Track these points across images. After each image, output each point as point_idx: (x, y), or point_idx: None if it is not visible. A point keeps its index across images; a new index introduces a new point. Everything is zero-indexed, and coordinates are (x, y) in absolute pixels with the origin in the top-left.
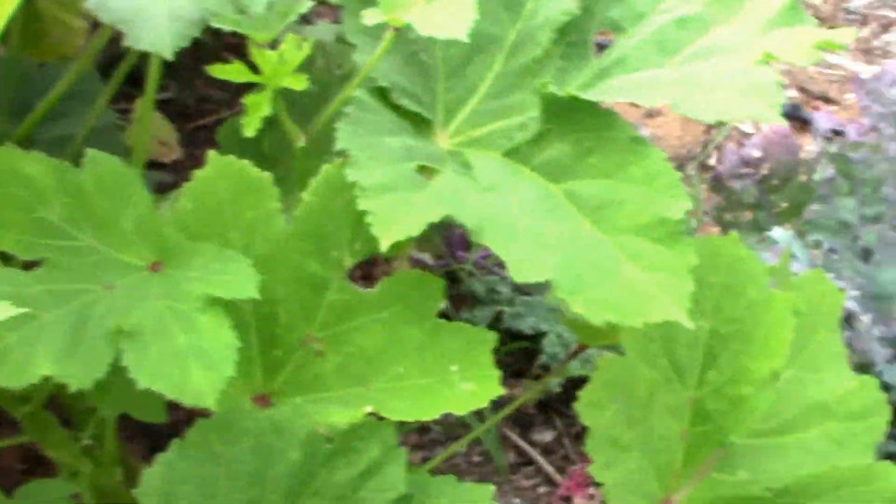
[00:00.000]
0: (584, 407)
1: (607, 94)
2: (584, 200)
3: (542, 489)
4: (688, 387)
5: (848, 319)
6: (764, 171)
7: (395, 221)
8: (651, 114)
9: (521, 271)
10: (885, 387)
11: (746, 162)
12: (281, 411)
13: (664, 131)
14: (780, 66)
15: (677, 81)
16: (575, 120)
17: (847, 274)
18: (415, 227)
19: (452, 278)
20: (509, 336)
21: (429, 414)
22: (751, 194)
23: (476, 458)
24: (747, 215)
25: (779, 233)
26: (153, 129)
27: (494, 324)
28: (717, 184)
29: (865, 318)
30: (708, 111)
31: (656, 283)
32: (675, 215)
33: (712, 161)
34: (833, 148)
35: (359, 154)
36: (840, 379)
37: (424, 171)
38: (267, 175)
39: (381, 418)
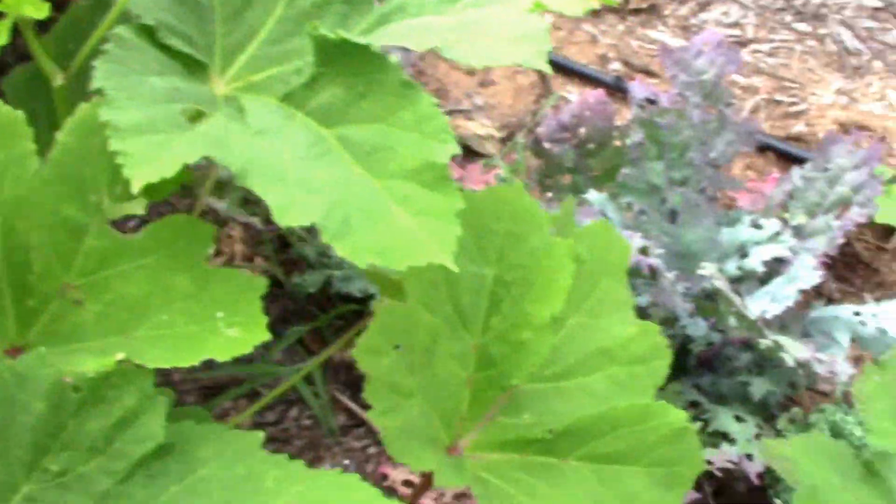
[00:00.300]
0: (362, 353)
1: (382, 38)
2: (355, 145)
3: (372, 450)
4: (472, 333)
5: (653, 276)
6: (580, 136)
7: (149, 162)
8: (484, 83)
9: (285, 215)
10: (687, 339)
11: (564, 127)
12: (24, 360)
13: (496, 100)
14: (608, 41)
15: (451, 28)
16: (347, 64)
17: (654, 233)
18: (169, 169)
19: (283, 243)
20: (339, 299)
21: (189, 360)
22: (569, 158)
23: (306, 422)
24: (566, 179)
25: (593, 195)
26: None
27: (325, 287)
28: (537, 148)
29: (670, 275)
30: (476, 56)
31: (423, 227)
32: (442, 160)
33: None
34: (643, 114)
35: (115, 93)
36: (624, 326)
37: (194, 114)
38: (19, 114)
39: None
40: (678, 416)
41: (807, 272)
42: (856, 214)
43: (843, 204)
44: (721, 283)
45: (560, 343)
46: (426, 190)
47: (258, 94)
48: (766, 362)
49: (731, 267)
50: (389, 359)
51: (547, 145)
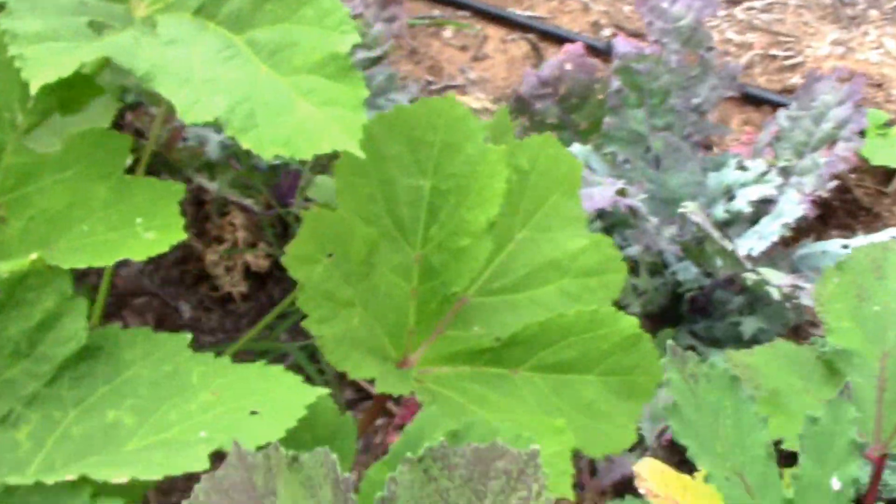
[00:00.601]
0: (292, 261)
1: None
2: (262, 46)
3: (379, 421)
4: (413, 245)
5: (637, 221)
6: (562, 91)
7: (48, 64)
8: (477, 57)
9: (191, 112)
10: (678, 284)
11: (545, 83)
12: None
13: (490, 73)
14: (599, 8)
15: None
16: None
17: (638, 180)
18: (68, 68)
19: (284, 226)
20: None
21: (105, 262)
22: (552, 114)
23: None
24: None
25: (577, 148)
26: None
27: None
28: (520, 105)
29: (653, 219)
30: None
31: (328, 116)
32: (344, 49)
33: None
34: (621, 62)
35: (17, 4)
36: (575, 239)
37: (101, 27)
38: None
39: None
40: (629, 322)
41: (791, 207)
42: (842, 150)
43: (830, 141)
44: (699, 218)
45: (508, 257)
46: (331, 81)
47: (172, 12)
48: (758, 302)
49: (719, 210)
50: (322, 267)
51: (529, 102)
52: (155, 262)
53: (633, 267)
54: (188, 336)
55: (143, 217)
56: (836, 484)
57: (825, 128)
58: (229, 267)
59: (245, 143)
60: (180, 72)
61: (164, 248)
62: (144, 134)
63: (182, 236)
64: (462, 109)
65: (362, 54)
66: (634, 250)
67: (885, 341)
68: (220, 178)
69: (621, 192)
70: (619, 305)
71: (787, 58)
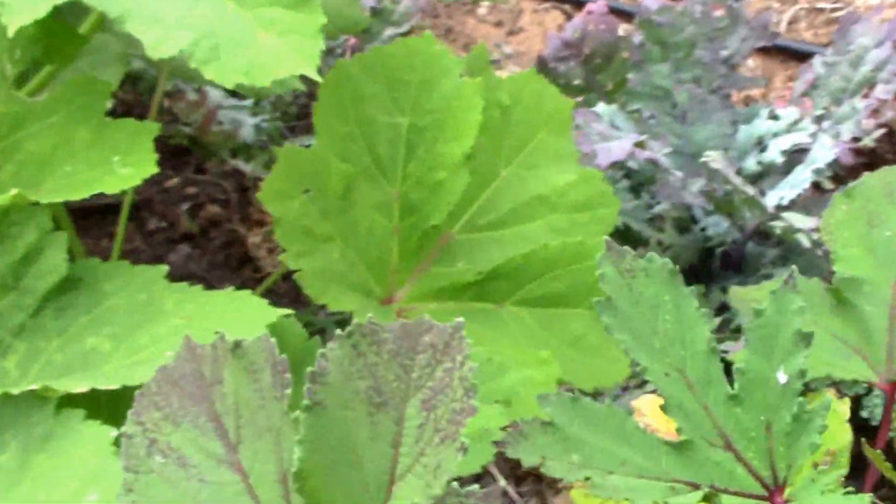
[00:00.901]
0: (268, 196)
1: None
2: None
3: None
4: (393, 183)
5: (659, 174)
6: (586, 51)
7: (24, 8)
8: (512, 31)
9: (158, 48)
10: (708, 239)
11: (568, 44)
12: None
13: (526, 46)
14: None
15: None
16: None
17: (663, 134)
18: (41, 10)
19: None
20: None
21: (81, 195)
22: (577, 76)
23: None
24: (578, 99)
25: (601, 107)
26: None
27: None
28: (543, 68)
29: (679, 173)
30: None
31: (287, 44)
32: None
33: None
34: (643, 15)
35: None
36: (563, 176)
37: None
38: None
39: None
40: None
41: (823, 152)
42: (881, 92)
43: (869, 84)
44: (719, 165)
45: (494, 194)
46: (289, 11)
47: None
48: (791, 254)
49: (751, 163)
50: (299, 202)
51: (552, 65)
52: (202, 247)
53: (660, 223)
54: (164, 268)
55: (120, 155)
56: (782, 377)
57: (863, 71)
58: (271, 248)
59: (207, 74)
60: (152, 12)
61: (137, 182)
62: (180, 119)
63: (153, 170)
64: (439, 47)
65: (391, 31)
66: (663, 207)
67: None
68: (256, 161)
69: (640, 145)
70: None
71: (834, 10)
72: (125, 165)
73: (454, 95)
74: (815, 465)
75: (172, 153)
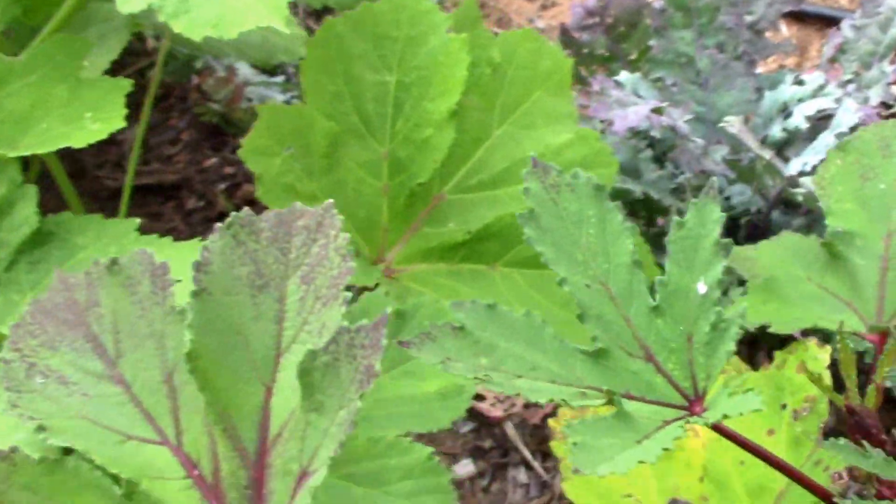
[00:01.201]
0: (249, 154)
1: None
2: None
3: None
4: (381, 141)
5: (679, 141)
6: (609, 19)
7: None
8: (545, 5)
9: (126, 4)
10: (731, 208)
11: (591, 13)
12: None
13: (558, 20)
14: None
15: None
16: None
17: (685, 101)
18: None
19: None
20: None
21: (49, 148)
22: (601, 45)
23: None
24: (603, 69)
25: (625, 76)
26: None
27: None
28: (566, 38)
29: (699, 140)
30: None
31: None
32: None
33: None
34: None
35: None
36: (559, 136)
37: None
38: None
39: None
40: None
41: (847, 116)
42: None
43: None
44: (735, 129)
45: (486, 153)
46: None
47: None
48: (815, 224)
49: (776, 130)
50: (281, 160)
51: (576, 35)
52: None
53: (683, 193)
54: (136, 221)
55: (93, 112)
56: (702, 288)
57: (893, 34)
58: None
59: (176, 28)
60: None
61: (103, 136)
62: (209, 96)
63: (121, 124)
64: (426, 3)
65: None
66: (686, 177)
67: (890, 220)
68: None
69: (658, 111)
70: (666, 230)
71: None
72: (95, 121)
73: (441, 51)
74: (795, 412)
75: (210, 133)
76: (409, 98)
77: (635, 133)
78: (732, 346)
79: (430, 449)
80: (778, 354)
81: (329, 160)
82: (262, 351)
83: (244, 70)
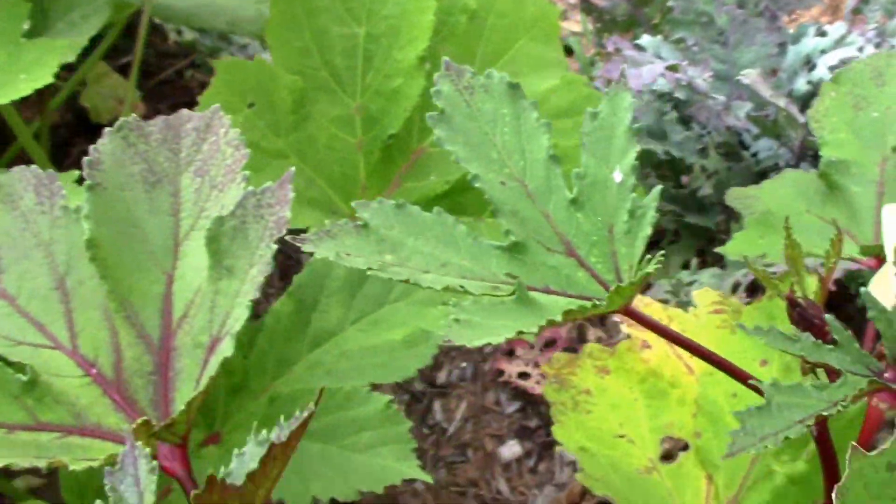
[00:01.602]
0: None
1: None
2: None
3: (487, 348)
4: (352, 95)
5: (697, 97)
6: None
7: None
8: None
9: None
10: (758, 162)
11: None
12: None
13: None
14: None
15: None
16: None
17: (705, 59)
18: None
19: None
20: None
21: None
22: (622, 11)
23: None
24: (626, 36)
25: (646, 39)
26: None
27: None
28: (587, 5)
29: (720, 97)
30: None
31: None
32: None
33: None
34: None
35: None
36: (546, 81)
37: None
38: None
39: None
40: None
41: None
42: None
43: None
44: (750, 80)
45: None
46: None
47: None
48: None
49: (801, 83)
50: (243, 117)
51: (596, 1)
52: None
53: (703, 148)
54: (76, 173)
55: (27, 73)
56: (618, 176)
57: None
58: None
59: None
60: None
61: (28, 91)
62: None
63: (48, 80)
64: None
65: None
66: (711, 136)
67: (884, 146)
68: None
69: (673, 68)
70: (691, 189)
71: None
72: (28, 81)
73: (409, 0)
74: None
75: None
76: (379, 49)
77: (659, 96)
78: (649, 231)
79: (387, 397)
80: (770, 284)
81: (296, 116)
82: (161, 241)
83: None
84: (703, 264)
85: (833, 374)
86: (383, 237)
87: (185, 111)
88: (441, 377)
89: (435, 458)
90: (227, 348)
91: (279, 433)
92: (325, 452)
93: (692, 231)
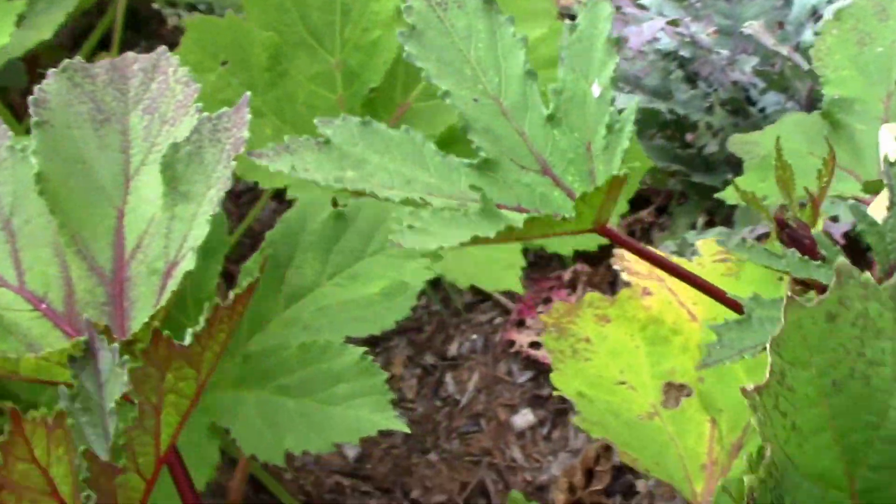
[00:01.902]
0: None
1: None
2: None
3: (497, 320)
4: (331, 51)
5: (699, 52)
6: None
7: None
8: None
9: None
10: (765, 117)
11: None
12: None
13: None
14: None
15: None
16: None
17: (708, 14)
18: None
19: None
20: None
21: None
22: None
23: (435, 308)
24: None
25: None
26: None
27: None
28: None
29: (723, 52)
30: None
31: None
32: None
33: None
34: None
35: None
36: (533, 30)
37: None
38: None
39: None
40: None
41: None
42: None
43: None
44: (753, 30)
45: None
46: None
47: None
48: None
49: (808, 35)
50: (216, 76)
51: None
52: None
53: (709, 106)
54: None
55: None
56: (596, 90)
57: None
58: None
59: None
60: None
61: None
62: None
63: (5, 41)
64: None
65: None
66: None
67: (888, 81)
68: None
69: (674, 23)
70: (696, 147)
71: None
72: None
73: None
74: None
75: None
76: (357, 2)
77: (664, 55)
78: (627, 144)
79: (362, 349)
80: (761, 209)
81: (272, 73)
82: (111, 177)
83: None
84: (711, 224)
85: (822, 291)
86: (346, 153)
87: (130, 53)
88: (452, 350)
89: (448, 430)
90: (188, 264)
91: (228, 298)
92: (301, 407)
93: (698, 190)
